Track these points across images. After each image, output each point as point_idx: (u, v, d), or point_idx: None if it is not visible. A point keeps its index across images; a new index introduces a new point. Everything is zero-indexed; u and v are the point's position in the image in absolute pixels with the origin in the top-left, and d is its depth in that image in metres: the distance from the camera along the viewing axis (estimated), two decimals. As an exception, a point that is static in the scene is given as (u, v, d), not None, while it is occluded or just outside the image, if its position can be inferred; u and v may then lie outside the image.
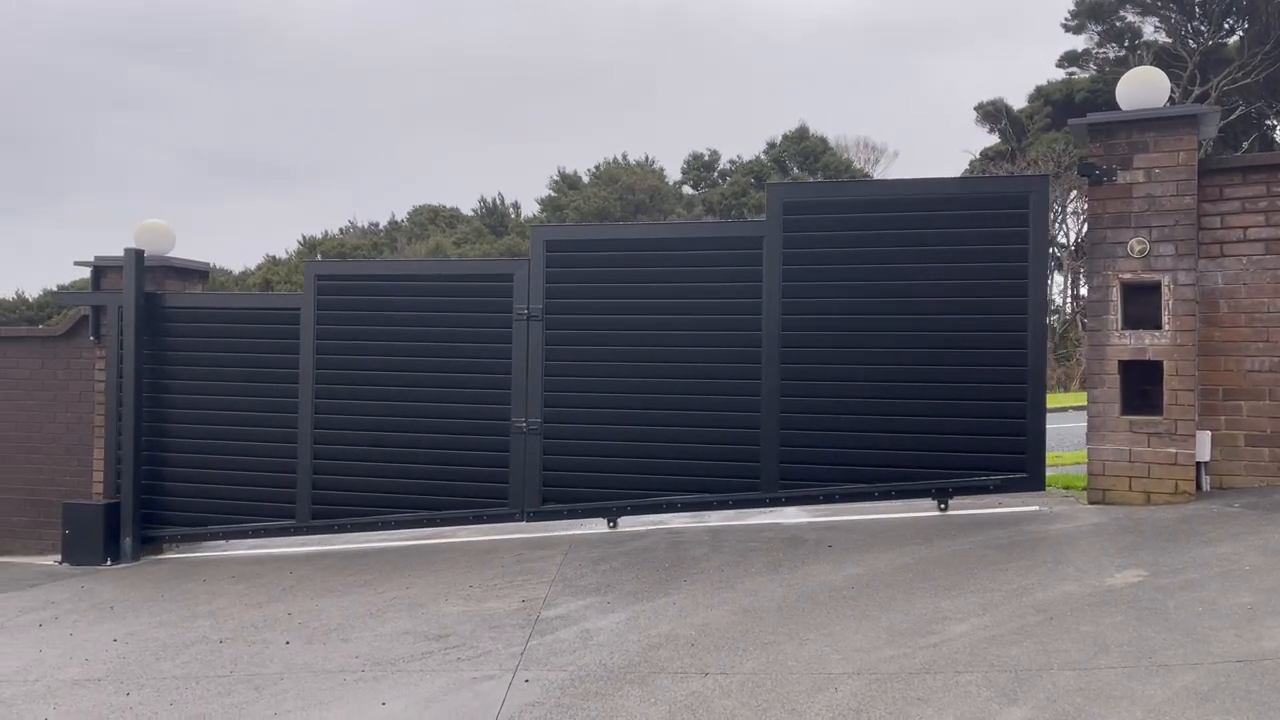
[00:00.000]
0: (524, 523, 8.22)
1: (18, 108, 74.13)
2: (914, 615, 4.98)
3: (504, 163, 66.91)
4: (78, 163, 70.58)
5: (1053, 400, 21.00)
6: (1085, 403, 7.37)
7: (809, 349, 7.71)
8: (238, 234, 70.01)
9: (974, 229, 7.48)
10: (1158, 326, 6.97)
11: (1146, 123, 7.01)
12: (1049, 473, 9.05)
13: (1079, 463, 9.51)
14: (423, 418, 8.42)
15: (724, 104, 63.54)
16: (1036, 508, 7.27)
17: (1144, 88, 7.09)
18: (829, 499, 7.68)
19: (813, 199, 8.01)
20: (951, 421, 7.47)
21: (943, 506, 7.49)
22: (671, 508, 7.98)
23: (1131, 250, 7.02)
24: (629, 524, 8.08)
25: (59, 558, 8.74)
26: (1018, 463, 7.40)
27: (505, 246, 36.86)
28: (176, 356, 8.96)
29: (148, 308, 8.91)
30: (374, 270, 10.31)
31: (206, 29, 76.75)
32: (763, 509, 7.93)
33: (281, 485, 8.64)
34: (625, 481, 8.01)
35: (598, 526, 8.16)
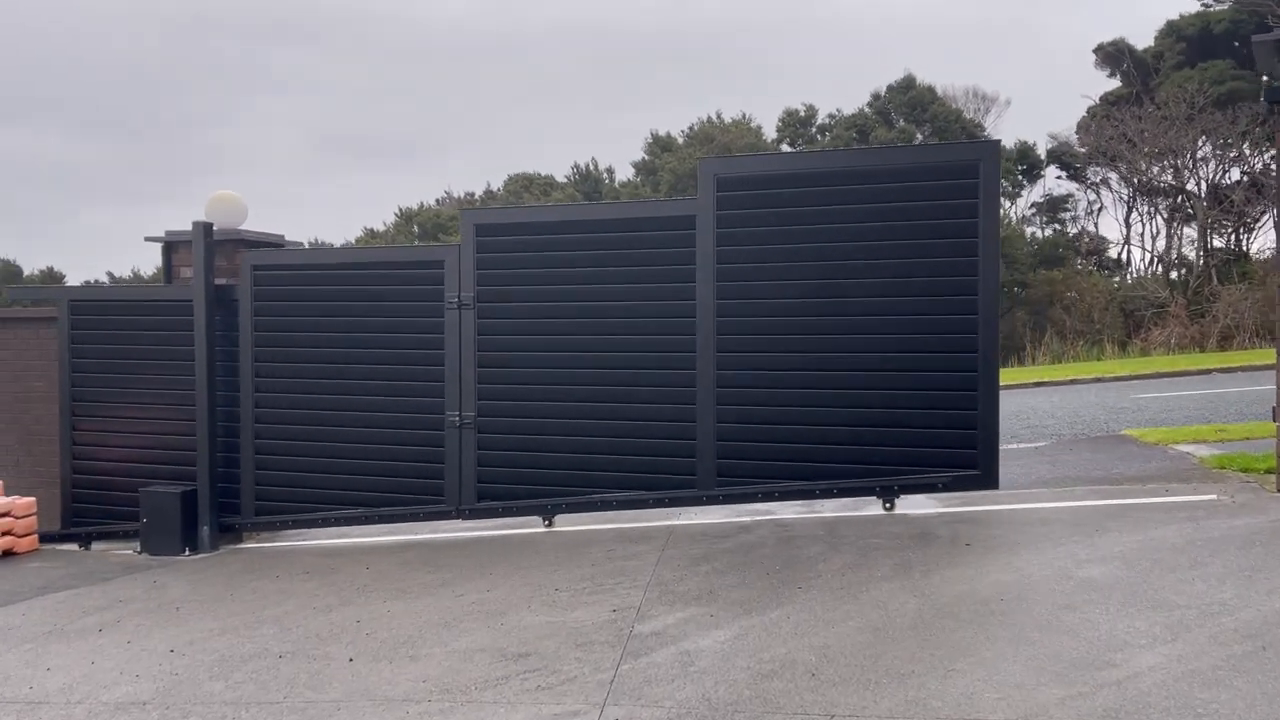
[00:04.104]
0: (461, 520, 7.84)
1: (150, 95, 76.19)
2: (1084, 639, 4.09)
3: (608, 132, 65.84)
4: (206, 145, 72.11)
5: (1194, 362, 19.40)
6: (1237, 364, 6.33)
7: (746, 337, 7.14)
8: (346, 208, 71.00)
9: (920, 203, 6.80)
10: (1366, 279, 5.81)
11: (1354, 33, 5.83)
12: (1215, 452, 7.96)
13: (1250, 437, 8.33)
14: (358, 411, 8.11)
15: (833, 66, 60.97)
16: (1214, 496, 6.23)
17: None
18: (768, 496, 7.15)
19: (748, 174, 7.28)
20: (896, 414, 6.86)
21: (888, 506, 6.91)
22: (607, 505, 7.51)
23: (1332, 189, 5.87)
24: (734, 514, 7.38)
25: (138, 546, 8.43)
26: (969, 458, 6.73)
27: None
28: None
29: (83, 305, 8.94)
30: (308, 260, 9.51)
31: (325, 10, 77.28)
32: (699, 507, 7.43)
33: (229, 481, 8.45)
34: (561, 478, 7.62)
35: (699, 518, 7.43)
